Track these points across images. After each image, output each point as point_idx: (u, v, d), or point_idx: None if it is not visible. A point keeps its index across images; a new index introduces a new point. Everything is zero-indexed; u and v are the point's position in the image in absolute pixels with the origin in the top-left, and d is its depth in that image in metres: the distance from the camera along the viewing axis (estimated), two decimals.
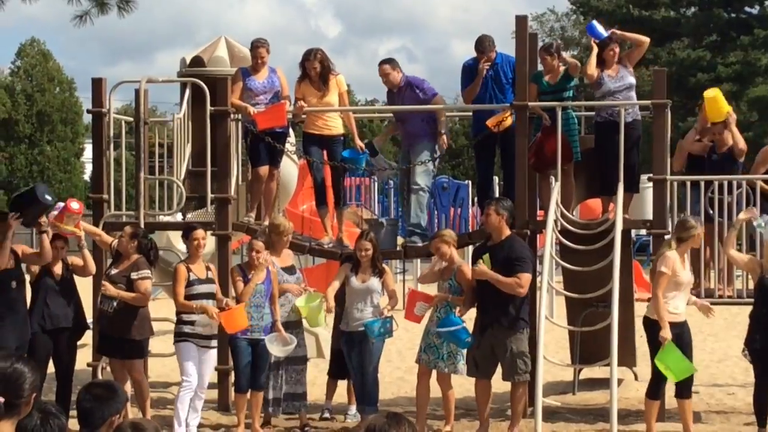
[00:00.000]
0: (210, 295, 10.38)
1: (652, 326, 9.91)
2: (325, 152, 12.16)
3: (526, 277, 10.14)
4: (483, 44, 11.95)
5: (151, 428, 5.06)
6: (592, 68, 11.54)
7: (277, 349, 10.41)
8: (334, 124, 12.14)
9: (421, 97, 11.95)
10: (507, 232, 10.39)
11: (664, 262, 9.86)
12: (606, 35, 11.73)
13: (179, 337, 10.35)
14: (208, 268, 10.54)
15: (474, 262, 10.45)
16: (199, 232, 10.50)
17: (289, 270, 10.95)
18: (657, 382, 10.08)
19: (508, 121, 11.66)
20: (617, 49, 11.67)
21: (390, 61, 12.19)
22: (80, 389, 5.20)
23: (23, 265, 10.38)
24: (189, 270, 10.40)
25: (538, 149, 11.48)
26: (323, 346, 13.88)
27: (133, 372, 10.46)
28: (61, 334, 10.49)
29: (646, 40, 12.06)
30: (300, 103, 11.93)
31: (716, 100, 11.74)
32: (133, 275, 10.35)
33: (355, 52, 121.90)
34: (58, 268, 10.52)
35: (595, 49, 11.69)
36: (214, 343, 10.48)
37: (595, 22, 12.09)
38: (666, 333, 9.68)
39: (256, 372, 10.47)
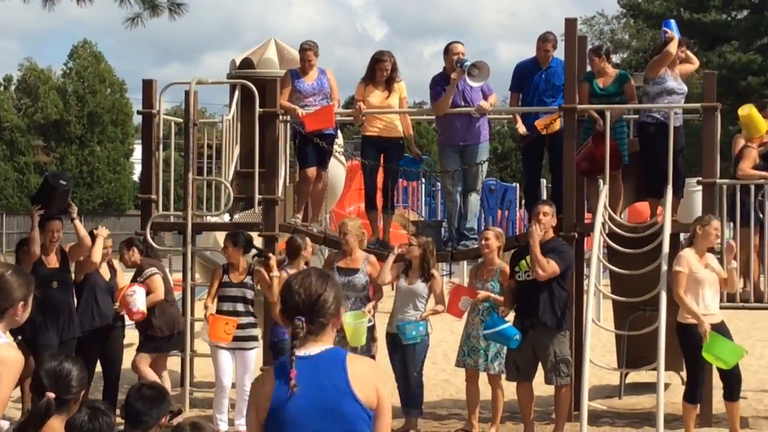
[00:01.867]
0: (241, 299, 10.51)
1: (683, 331, 9.90)
2: (382, 155, 12.18)
3: (553, 265, 10.07)
4: (545, 35, 11.96)
5: (209, 428, 5.14)
6: (674, 47, 11.37)
7: None
8: (393, 127, 12.15)
9: (486, 92, 11.97)
10: (551, 234, 10.39)
11: (678, 261, 9.95)
12: (678, 36, 11.59)
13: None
14: (249, 273, 10.62)
15: (515, 265, 10.42)
16: (226, 242, 10.68)
17: (346, 271, 10.77)
18: (694, 386, 10.03)
19: (557, 125, 11.64)
20: (682, 54, 11.60)
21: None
22: (130, 390, 5.23)
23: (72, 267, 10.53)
24: (225, 272, 10.53)
25: (591, 156, 11.43)
26: None
27: (138, 364, 10.83)
28: (110, 333, 10.61)
29: (698, 62, 12.08)
30: (360, 104, 11.94)
31: (751, 117, 11.66)
32: (139, 280, 10.79)
33: (401, 54, 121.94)
34: (105, 270, 10.65)
35: (676, 38, 11.51)
36: (253, 344, 10.54)
37: (673, 21, 12.03)
38: (704, 326, 9.68)
39: None
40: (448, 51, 11.91)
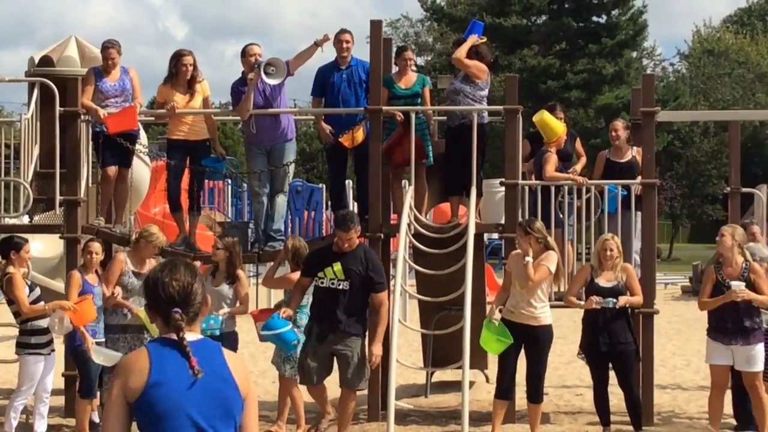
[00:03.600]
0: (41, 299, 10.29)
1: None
2: (188, 158, 11.98)
3: (385, 292, 9.90)
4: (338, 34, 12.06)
5: None
6: (463, 53, 11.62)
7: (102, 358, 10.14)
8: (200, 129, 11.97)
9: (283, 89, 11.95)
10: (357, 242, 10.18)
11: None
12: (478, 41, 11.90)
13: (27, 348, 10.10)
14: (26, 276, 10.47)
15: (317, 269, 9.96)
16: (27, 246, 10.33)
17: (142, 276, 10.65)
18: (502, 382, 10.20)
19: (360, 136, 11.73)
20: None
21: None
22: None
23: None
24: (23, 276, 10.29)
25: (393, 147, 11.55)
26: None
27: None
28: None
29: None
30: (173, 104, 11.70)
31: (545, 122, 11.97)
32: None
33: (203, 54, 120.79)
34: None
35: (470, 41, 11.78)
36: (54, 345, 10.32)
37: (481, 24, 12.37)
38: (491, 314, 10.11)
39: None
40: (245, 53, 11.89)
